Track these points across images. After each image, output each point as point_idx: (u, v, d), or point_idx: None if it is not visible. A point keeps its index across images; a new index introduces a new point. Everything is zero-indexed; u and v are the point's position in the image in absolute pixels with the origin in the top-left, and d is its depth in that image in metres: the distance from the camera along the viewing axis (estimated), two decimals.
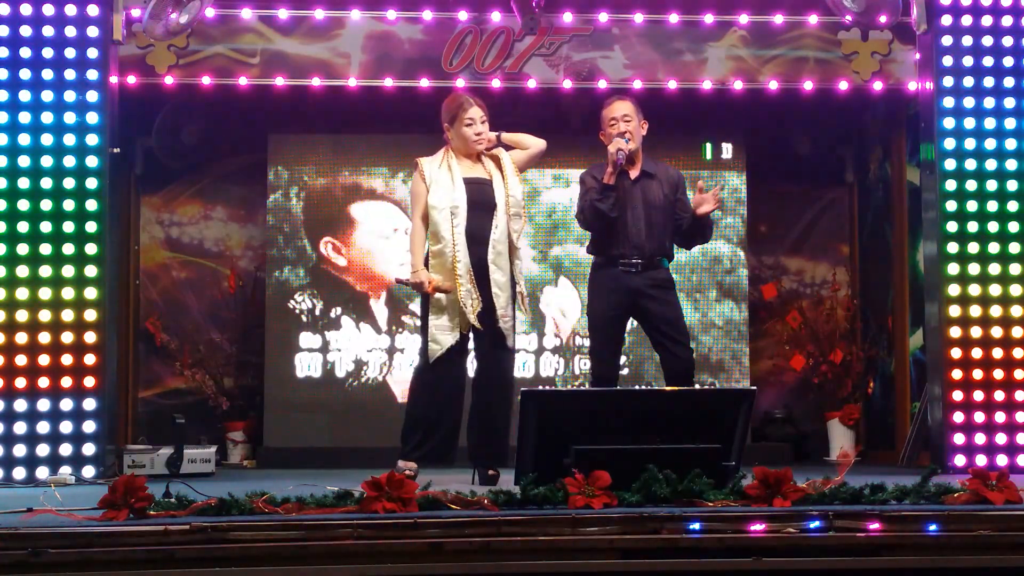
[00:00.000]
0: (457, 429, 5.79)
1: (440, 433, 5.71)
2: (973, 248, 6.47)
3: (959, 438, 6.37)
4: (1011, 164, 6.51)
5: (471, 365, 5.90)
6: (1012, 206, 6.49)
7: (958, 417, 6.38)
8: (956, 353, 6.42)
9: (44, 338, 6.06)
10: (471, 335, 5.75)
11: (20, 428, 6.00)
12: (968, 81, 6.56)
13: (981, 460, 6.25)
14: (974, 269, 6.46)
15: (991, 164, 6.50)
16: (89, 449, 6.05)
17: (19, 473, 5.98)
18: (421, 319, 5.90)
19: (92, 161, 6.18)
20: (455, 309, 5.67)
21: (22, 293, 6.06)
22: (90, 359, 6.09)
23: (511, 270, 5.79)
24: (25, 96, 6.17)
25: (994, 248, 6.47)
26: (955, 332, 6.43)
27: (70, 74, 6.20)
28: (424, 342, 5.77)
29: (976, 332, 6.42)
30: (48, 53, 6.21)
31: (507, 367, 5.86)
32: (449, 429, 5.74)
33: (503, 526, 3.91)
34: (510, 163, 5.88)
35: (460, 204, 5.71)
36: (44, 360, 6.04)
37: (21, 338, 6.05)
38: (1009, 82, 6.55)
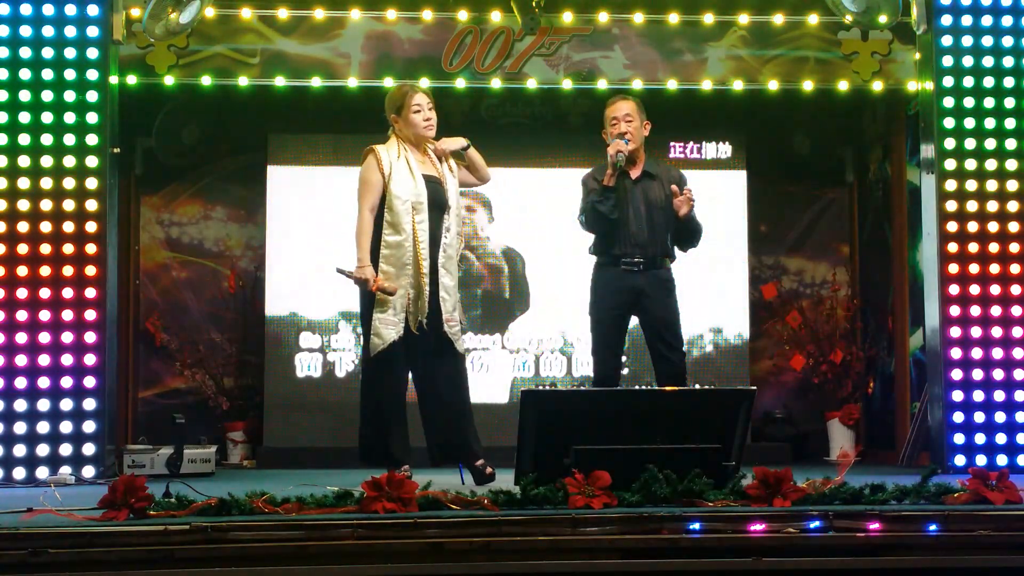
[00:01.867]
0: (406, 427, 5.68)
1: (393, 431, 5.62)
2: (973, 248, 6.47)
3: (959, 438, 6.37)
4: (1011, 164, 6.51)
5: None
6: (1012, 206, 6.49)
7: (958, 417, 6.38)
8: (956, 353, 6.42)
9: (44, 338, 6.05)
10: (416, 336, 5.61)
11: (20, 428, 5.99)
12: (968, 81, 6.56)
13: (981, 460, 6.25)
14: (974, 269, 6.46)
15: (991, 164, 6.50)
16: (89, 449, 6.05)
17: (19, 473, 5.98)
18: (363, 315, 5.70)
19: (92, 161, 6.18)
20: (401, 303, 5.57)
21: (22, 292, 6.06)
22: (90, 359, 6.08)
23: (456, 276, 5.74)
24: (25, 96, 6.17)
25: (994, 248, 6.47)
26: (955, 332, 6.43)
27: (70, 74, 6.20)
28: (366, 337, 5.65)
29: (976, 332, 6.42)
30: (48, 53, 6.21)
31: (459, 369, 5.74)
32: (400, 427, 5.65)
33: (503, 526, 3.91)
34: (453, 173, 5.82)
35: (423, 200, 5.63)
36: (44, 360, 6.04)
37: (21, 338, 6.05)
38: (1009, 82, 6.55)
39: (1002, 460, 6.29)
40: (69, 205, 6.13)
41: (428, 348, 5.65)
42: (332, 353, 8.05)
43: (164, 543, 3.76)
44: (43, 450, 6.00)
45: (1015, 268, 6.45)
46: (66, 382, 6.05)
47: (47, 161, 6.14)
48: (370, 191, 5.68)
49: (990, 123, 6.52)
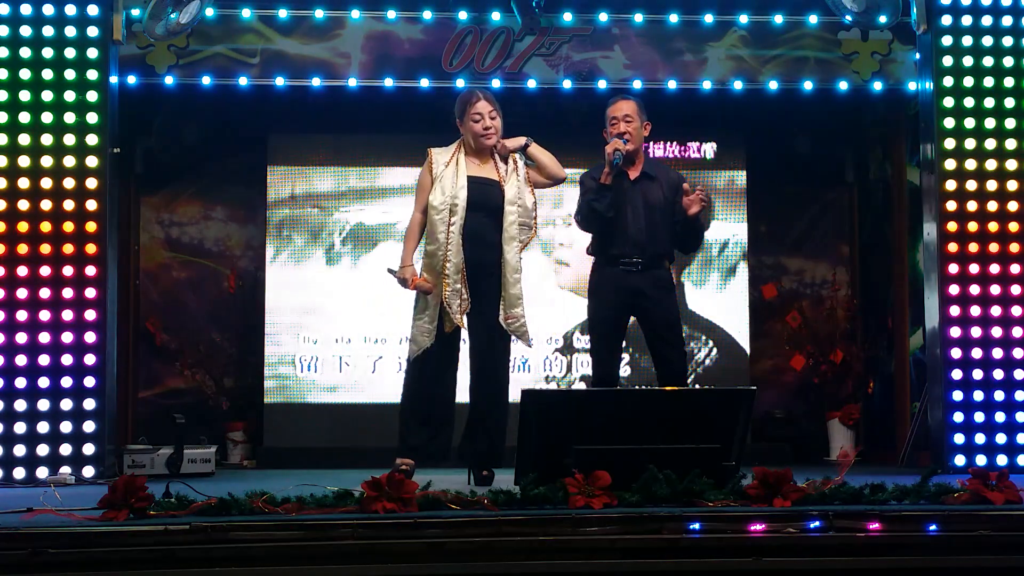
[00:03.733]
0: (447, 426, 5.79)
1: (426, 429, 5.71)
2: (973, 248, 6.47)
3: (959, 438, 6.37)
4: (1011, 164, 6.51)
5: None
6: (1012, 206, 6.49)
7: (958, 417, 6.38)
8: (956, 353, 6.43)
9: (44, 338, 6.06)
10: (462, 334, 5.76)
11: (20, 428, 6.00)
12: (968, 81, 6.57)
13: (981, 460, 6.26)
14: (974, 269, 6.46)
15: (991, 164, 6.51)
16: (89, 449, 6.05)
17: (19, 473, 5.98)
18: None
19: (92, 161, 6.18)
20: (437, 310, 5.67)
21: (22, 292, 6.06)
22: (90, 359, 6.09)
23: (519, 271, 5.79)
24: (25, 96, 6.17)
25: (994, 248, 6.47)
26: (955, 332, 6.44)
27: (70, 74, 6.20)
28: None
29: (976, 332, 6.42)
30: (48, 53, 6.21)
31: (501, 369, 5.83)
32: (437, 426, 5.74)
33: (503, 526, 3.91)
34: (524, 172, 5.84)
35: (460, 202, 5.68)
36: (44, 360, 6.04)
37: (21, 338, 6.05)
38: (1009, 82, 6.56)
39: (1002, 460, 6.29)
40: (69, 205, 6.13)
41: (477, 346, 5.79)
42: (333, 353, 8.05)
43: (164, 543, 3.76)
44: (43, 450, 6.00)
45: (1015, 268, 6.45)
46: (66, 382, 6.05)
47: (47, 161, 6.14)
48: (421, 193, 5.82)
49: (990, 123, 6.53)
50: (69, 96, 6.20)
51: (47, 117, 6.17)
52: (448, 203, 5.68)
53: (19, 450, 5.99)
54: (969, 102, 6.54)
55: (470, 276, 5.68)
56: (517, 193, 5.77)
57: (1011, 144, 6.52)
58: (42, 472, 5.96)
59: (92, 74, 6.23)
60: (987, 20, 6.58)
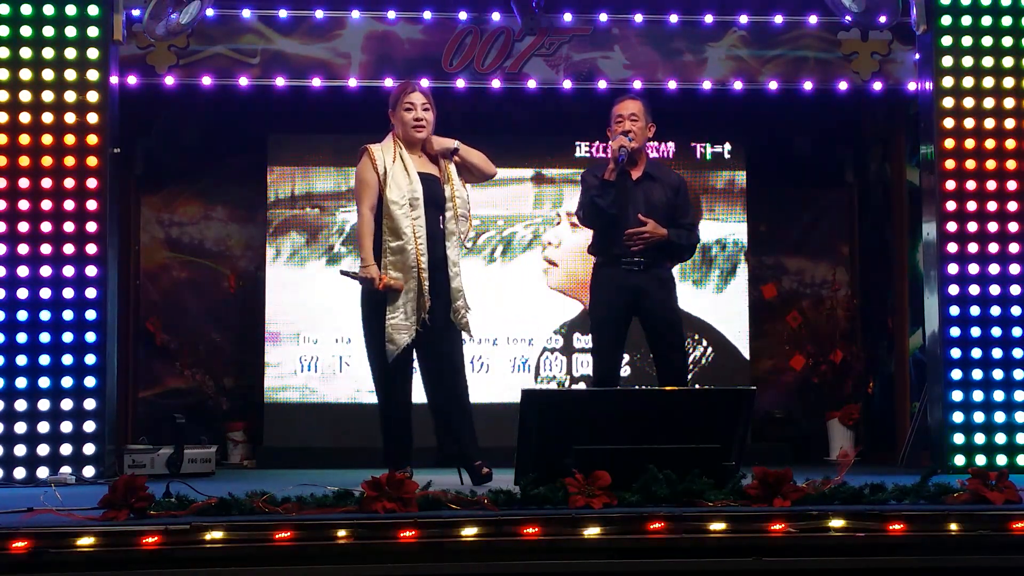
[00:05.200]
0: (411, 427, 5.71)
1: (405, 434, 5.66)
2: (973, 247, 6.48)
3: (959, 438, 6.37)
4: (1011, 164, 6.51)
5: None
6: (1012, 206, 6.49)
7: (958, 417, 6.38)
8: (956, 353, 6.42)
9: (45, 338, 6.05)
10: (423, 333, 5.60)
11: (20, 428, 5.99)
12: (968, 81, 6.56)
13: (981, 460, 6.25)
14: (974, 269, 6.46)
15: (991, 164, 6.50)
16: (89, 449, 6.05)
17: (19, 473, 5.98)
18: (365, 319, 5.65)
19: (92, 161, 6.18)
20: (412, 306, 5.56)
21: (23, 293, 6.06)
22: (90, 359, 6.08)
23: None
24: (25, 96, 6.17)
25: (994, 248, 6.47)
26: (955, 332, 6.44)
27: (70, 74, 6.20)
28: (372, 344, 5.62)
29: (976, 332, 6.42)
30: (48, 53, 6.21)
31: (463, 364, 5.76)
32: (410, 429, 5.69)
33: (503, 526, 3.91)
34: (453, 168, 5.77)
35: (419, 196, 5.58)
36: (44, 360, 6.04)
37: (21, 338, 6.05)
38: (1009, 82, 6.55)
39: (1002, 460, 6.29)
40: (69, 205, 6.13)
41: (434, 345, 5.65)
42: (333, 353, 8.05)
43: (164, 543, 3.76)
44: (43, 450, 6.00)
45: (1015, 268, 6.45)
46: (66, 382, 6.05)
47: (47, 161, 6.14)
48: (367, 190, 5.66)
49: (990, 123, 6.52)
50: (69, 96, 6.19)
51: (47, 117, 6.16)
52: (408, 197, 5.57)
53: (19, 450, 5.98)
54: (969, 102, 6.54)
55: (429, 271, 5.59)
56: (455, 188, 5.72)
57: (1011, 144, 6.51)
58: (42, 472, 5.96)
59: (92, 74, 6.23)
60: (987, 20, 6.57)
